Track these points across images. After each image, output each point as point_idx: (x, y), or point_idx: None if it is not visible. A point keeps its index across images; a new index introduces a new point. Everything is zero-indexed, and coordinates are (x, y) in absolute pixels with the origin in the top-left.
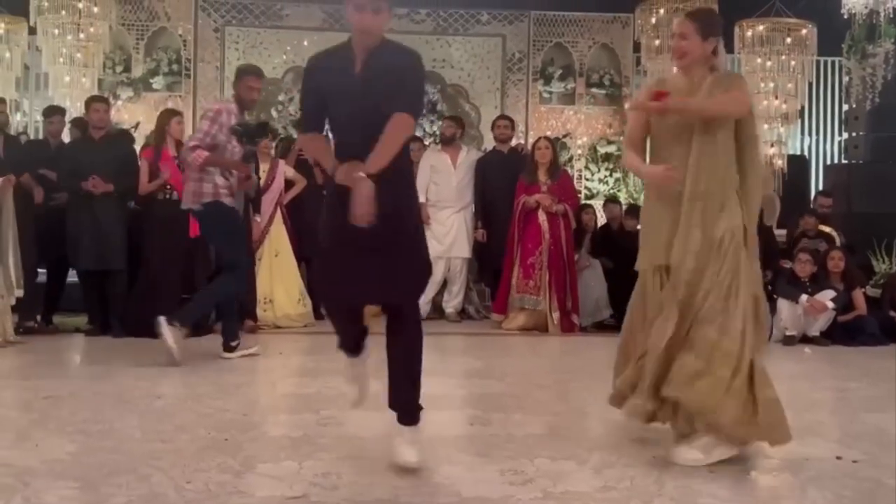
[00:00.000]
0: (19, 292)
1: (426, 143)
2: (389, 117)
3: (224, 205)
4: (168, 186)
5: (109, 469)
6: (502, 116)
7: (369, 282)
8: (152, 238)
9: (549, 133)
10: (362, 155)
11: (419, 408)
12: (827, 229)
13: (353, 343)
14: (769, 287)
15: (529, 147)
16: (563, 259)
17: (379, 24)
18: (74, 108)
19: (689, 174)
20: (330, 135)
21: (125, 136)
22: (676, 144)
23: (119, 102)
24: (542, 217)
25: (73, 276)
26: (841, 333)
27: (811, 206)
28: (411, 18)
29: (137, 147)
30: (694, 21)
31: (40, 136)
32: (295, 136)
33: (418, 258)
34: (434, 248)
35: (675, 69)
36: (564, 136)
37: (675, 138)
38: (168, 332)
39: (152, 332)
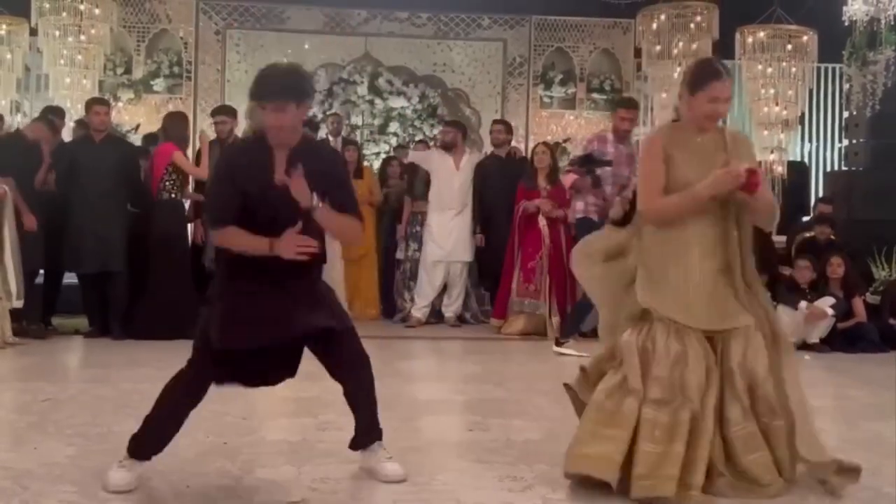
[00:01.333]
0: (19, 303)
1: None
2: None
3: (592, 221)
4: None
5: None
6: (498, 121)
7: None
8: (154, 239)
9: (549, 138)
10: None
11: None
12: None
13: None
14: (768, 293)
15: (527, 152)
16: (563, 264)
17: (289, 120)
18: (75, 110)
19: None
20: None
21: (124, 140)
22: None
23: (119, 104)
24: (542, 222)
25: (71, 278)
26: (840, 340)
27: (811, 212)
28: (412, 22)
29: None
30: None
31: None
32: None
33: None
34: (434, 251)
35: (666, 121)
36: (565, 141)
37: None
38: (564, 350)
39: (152, 335)
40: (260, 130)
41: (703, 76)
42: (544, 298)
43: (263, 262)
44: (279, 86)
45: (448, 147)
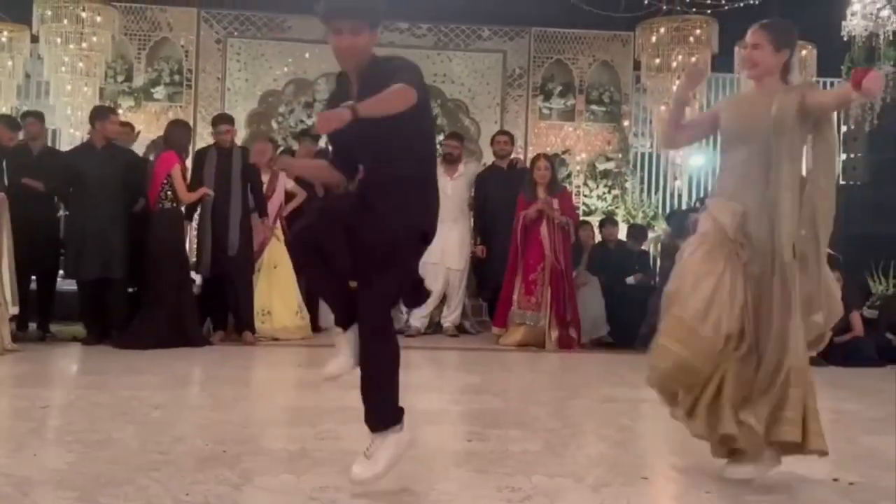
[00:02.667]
0: (14, 309)
1: None
2: (382, 134)
3: None
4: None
5: (107, 479)
6: (502, 132)
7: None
8: (153, 248)
9: (548, 149)
10: (380, 155)
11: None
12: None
13: (344, 317)
14: None
15: (526, 163)
16: (563, 274)
17: (359, 44)
18: (75, 117)
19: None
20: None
21: (126, 148)
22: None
23: (120, 111)
24: (543, 232)
25: (70, 284)
26: (837, 355)
27: None
28: (412, 33)
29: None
30: (767, 31)
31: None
32: (295, 147)
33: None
34: (432, 260)
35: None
36: (564, 153)
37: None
38: None
39: (150, 342)
40: None
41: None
42: (544, 311)
43: None
44: (359, 5)
45: (454, 161)
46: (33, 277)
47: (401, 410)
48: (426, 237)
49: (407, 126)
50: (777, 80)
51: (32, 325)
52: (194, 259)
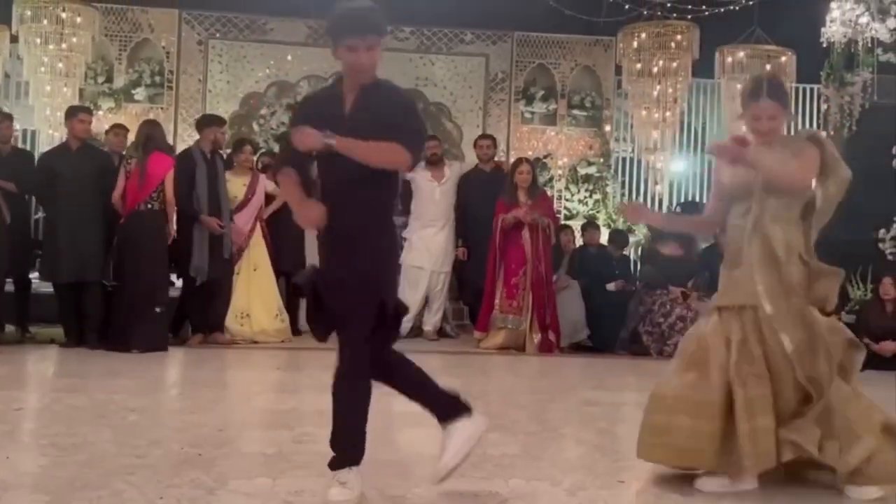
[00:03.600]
0: None
1: None
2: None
3: None
4: None
5: (82, 483)
6: (485, 136)
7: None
8: (133, 248)
9: (530, 153)
10: (343, 199)
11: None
12: None
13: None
14: None
15: (509, 166)
16: (544, 278)
17: (374, 60)
18: (55, 118)
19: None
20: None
21: (102, 149)
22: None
23: (100, 113)
24: (525, 236)
25: (47, 286)
26: None
27: None
28: (395, 36)
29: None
30: (780, 100)
31: (19, 146)
32: (276, 150)
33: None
34: (413, 259)
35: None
36: (545, 157)
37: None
38: None
39: (128, 345)
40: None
41: (746, 97)
42: (525, 314)
43: None
44: (375, 22)
45: (435, 162)
46: (9, 280)
47: (361, 452)
48: (384, 306)
49: (380, 176)
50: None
51: (10, 327)
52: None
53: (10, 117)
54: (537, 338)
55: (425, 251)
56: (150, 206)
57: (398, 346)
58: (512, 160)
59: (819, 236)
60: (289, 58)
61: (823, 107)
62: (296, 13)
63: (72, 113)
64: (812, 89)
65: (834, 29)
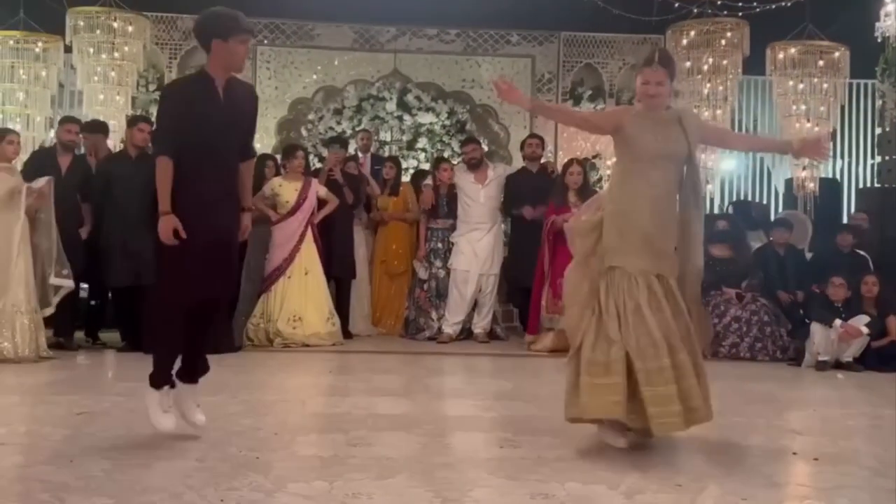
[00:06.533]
0: (50, 310)
1: (454, 162)
2: (241, 148)
3: None
4: None
5: (143, 486)
6: (533, 135)
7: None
8: None
9: (578, 154)
10: (216, 171)
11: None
12: (861, 252)
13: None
14: (801, 311)
15: (558, 167)
16: None
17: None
18: (109, 126)
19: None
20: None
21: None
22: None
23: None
24: None
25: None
26: (874, 359)
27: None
28: (441, 39)
29: None
30: (667, 67)
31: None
32: (325, 154)
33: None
34: (462, 263)
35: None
36: (594, 157)
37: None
38: None
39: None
40: (201, 67)
41: (640, 64)
42: None
43: None
44: (246, 22)
45: (476, 165)
46: (84, 286)
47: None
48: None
49: None
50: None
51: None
52: None
53: (148, 120)
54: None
55: (472, 255)
56: None
57: (451, 348)
58: (560, 161)
59: (876, 234)
60: (336, 63)
61: (878, 102)
62: (342, 18)
63: (131, 123)
64: (867, 85)
65: (889, 23)
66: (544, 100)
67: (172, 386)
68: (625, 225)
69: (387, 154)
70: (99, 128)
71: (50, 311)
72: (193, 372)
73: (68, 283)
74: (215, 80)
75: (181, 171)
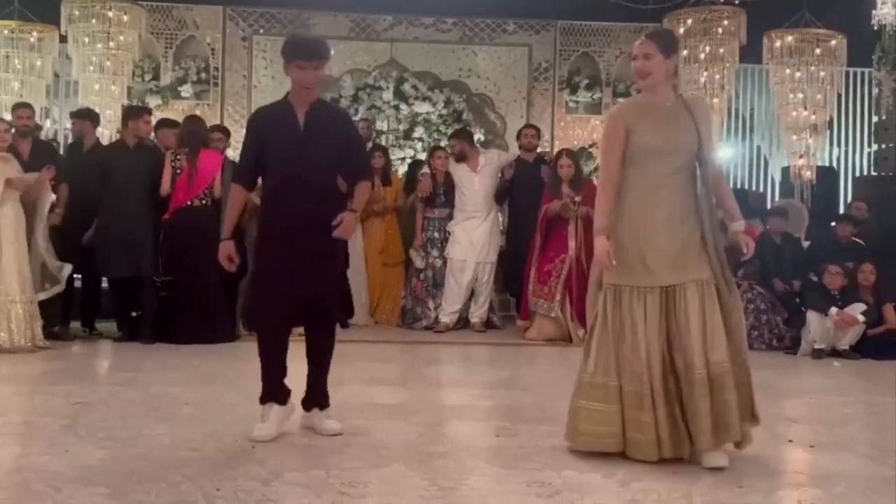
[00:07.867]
0: (59, 287)
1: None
2: (333, 170)
3: None
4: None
5: (139, 476)
6: (528, 125)
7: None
8: (197, 243)
9: (574, 143)
10: (296, 197)
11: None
12: (859, 240)
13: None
14: (797, 299)
15: (553, 157)
16: (588, 270)
17: (319, 79)
18: (104, 116)
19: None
20: (262, 181)
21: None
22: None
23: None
24: (571, 230)
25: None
26: (870, 347)
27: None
28: (438, 28)
29: None
30: (655, 40)
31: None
32: None
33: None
34: (459, 252)
35: (637, 92)
36: (590, 146)
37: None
38: None
39: (180, 339)
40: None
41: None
42: (560, 301)
43: None
44: (321, 47)
45: (460, 159)
46: (77, 276)
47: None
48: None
49: None
50: (669, 89)
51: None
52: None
53: (150, 111)
54: (581, 332)
55: (469, 243)
56: (204, 202)
57: (448, 337)
58: (556, 150)
59: (873, 222)
60: (332, 52)
61: (875, 90)
62: (338, 7)
63: (137, 114)
64: (863, 73)
65: (885, 11)
66: (540, 88)
67: (281, 403)
68: (618, 240)
69: (383, 143)
70: (87, 115)
71: (59, 288)
72: (309, 401)
73: (68, 266)
74: (294, 105)
75: (264, 196)
